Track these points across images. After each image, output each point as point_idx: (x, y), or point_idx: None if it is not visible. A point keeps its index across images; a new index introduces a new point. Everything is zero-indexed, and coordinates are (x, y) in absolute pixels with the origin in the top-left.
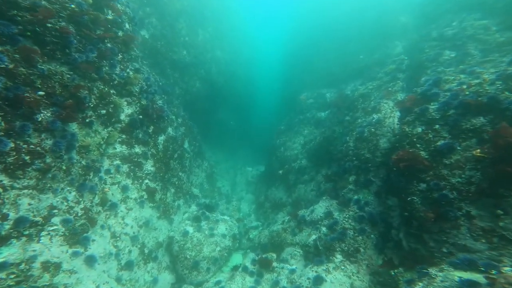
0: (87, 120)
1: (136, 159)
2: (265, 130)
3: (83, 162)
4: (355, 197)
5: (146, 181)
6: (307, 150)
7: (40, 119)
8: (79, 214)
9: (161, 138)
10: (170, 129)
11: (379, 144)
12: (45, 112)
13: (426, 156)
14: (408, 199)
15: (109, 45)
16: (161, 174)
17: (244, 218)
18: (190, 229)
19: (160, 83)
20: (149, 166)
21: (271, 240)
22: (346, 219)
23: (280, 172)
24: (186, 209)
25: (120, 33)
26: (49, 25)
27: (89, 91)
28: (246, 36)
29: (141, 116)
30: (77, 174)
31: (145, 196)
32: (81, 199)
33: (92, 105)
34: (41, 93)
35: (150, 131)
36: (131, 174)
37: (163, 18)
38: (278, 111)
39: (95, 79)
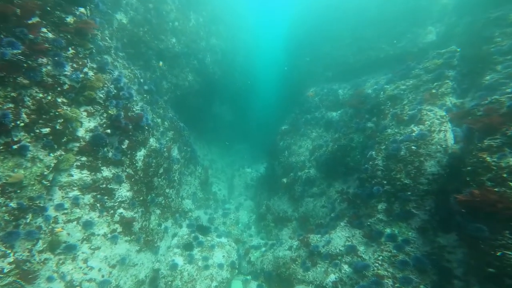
0: (14, 147)
1: (104, 185)
2: (265, 124)
3: (12, 205)
4: (388, 230)
5: (120, 210)
6: (317, 158)
7: None
8: (5, 271)
9: (141, 154)
10: (152, 140)
11: (423, 168)
12: None
13: None
14: (498, 254)
15: (49, 35)
16: (142, 198)
17: (244, 231)
18: (180, 261)
19: (141, 80)
20: (124, 191)
21: (277, 269)
22: (380, 263)
23: (284, 180)
24: (175, 231)
25: (70, 19)
26: None
27: (14, 103)
28: (246, 20)
29: (109, 130)
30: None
31: (119, 229)
32: (9, 251)
33: (22, 124)
34: None
35: (125, 146)
36: (97, 205)
37: None
38: (280, 105)
39: (24, 85)
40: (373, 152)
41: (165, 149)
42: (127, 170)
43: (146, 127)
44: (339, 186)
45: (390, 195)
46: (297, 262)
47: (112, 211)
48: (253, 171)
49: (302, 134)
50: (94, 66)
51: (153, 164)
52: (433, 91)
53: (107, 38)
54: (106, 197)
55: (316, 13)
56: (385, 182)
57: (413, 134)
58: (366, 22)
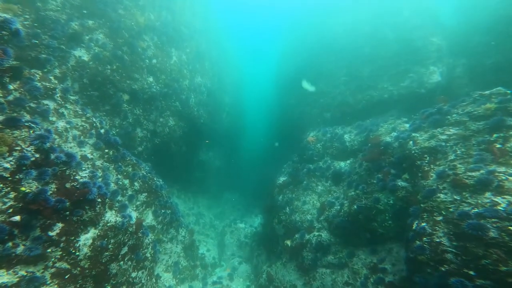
0: None
1: None
2: (257, 170)
3: None
4: None
5: None
6: (329, 219)
7: None
8: None
9: (87, 237)
10: (110, 214)
11: None
12: None
13: None
14: None
15: None
16: None
17: None
18: None
19: (102, 130)
20: None
21: None
22: None
23: (288, 243)
24: None
25: None
26: None
27: None
28: (233, 56)
29: (18, 217)
30: None
31: None
32: None
33: None
34: None
35: (55, 233)
36: None
37: (117, 34)
38: (275, 150)
39: None
40: (425, 225)
41: (132, 222)
42: (57, 264)
43: (99, 199)
44: (365, 257)
45: None
46: None
47: None
48: (247, 227)
49: (305, 187)
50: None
51: (110, 247)
52: (497, 145)
53: (51, 77)
54: None
55: (308, 50)
56: (472, 273)
57: (500, 208)
58: (362, 59)
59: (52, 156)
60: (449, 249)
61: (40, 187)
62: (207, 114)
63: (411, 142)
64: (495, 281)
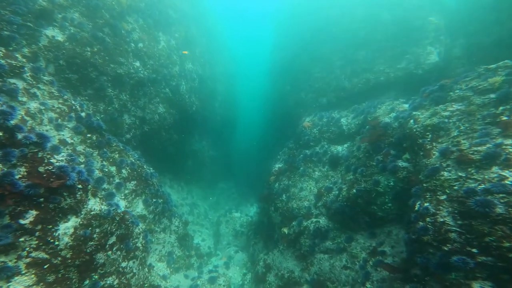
0: None
1: None
2: (252, 159)
3: None
4: None
5: None
6: (327, 204)
7: None
8: None
9: (68, 225)
10: (93, 202)
11: None
12: None
13: None
14: None
15: None
16: None
17: None
18: None
19: (82, 114)
20: None
21: None
22: None
23: (286, 231)
24: None
25: None
26: None
27: None
28: (225, 45)
29: None
30: None
31: None
32: None
33: None
34: None
35: (27, 221)
36: None
37: (96, 14)
38: (269, 137)
39: None
40: (428, 205)
41: (119, 211)
42: (33, 254)
43: (80, 185)
44: (364, 241)
45: (497, 270)
46: None
47: None
48: (242, 216)
49: (302, 174)
50: None
51: (95, 236)
52: (503, 118)
53: (17, 55)
54: None
55: (302, 35)
56: (474, 250)
57: (507, 182)
58: (357, 43)
59: (20, 136)
60: (453, 228)
61: (5, 169)
62: (199, 101)
63: (411, 121)
64: (496, 257)
